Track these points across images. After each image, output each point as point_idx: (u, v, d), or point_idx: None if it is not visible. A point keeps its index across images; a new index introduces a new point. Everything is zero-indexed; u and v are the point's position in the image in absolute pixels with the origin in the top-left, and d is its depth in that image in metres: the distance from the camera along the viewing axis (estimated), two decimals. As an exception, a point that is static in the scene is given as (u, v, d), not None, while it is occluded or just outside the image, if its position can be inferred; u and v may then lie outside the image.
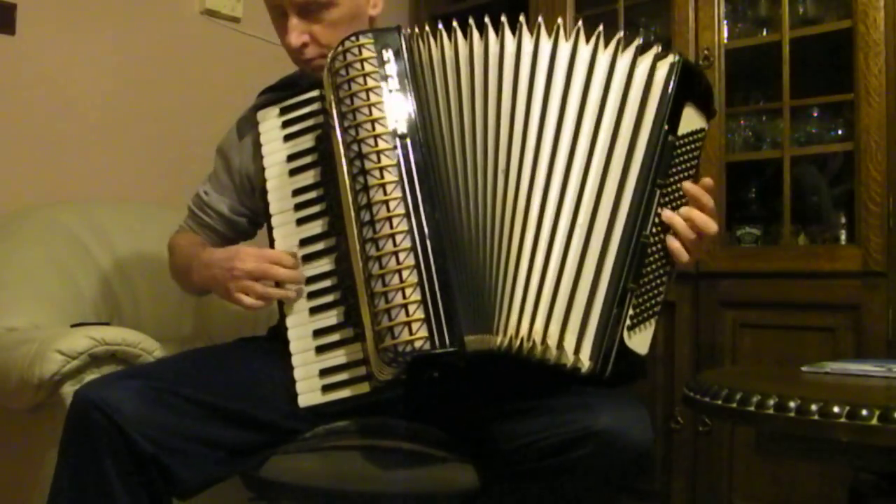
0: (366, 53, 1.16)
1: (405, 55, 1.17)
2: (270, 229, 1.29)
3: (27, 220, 1.81)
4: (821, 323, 1.98)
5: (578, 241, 1.15)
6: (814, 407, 1.08)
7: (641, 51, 1.19)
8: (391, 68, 1.16)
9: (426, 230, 1.11)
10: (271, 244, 1.28)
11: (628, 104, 1.17)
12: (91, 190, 2.09)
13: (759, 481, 2.05)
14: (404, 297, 1.09)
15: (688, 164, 1.20)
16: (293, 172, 1.28)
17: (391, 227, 1.11)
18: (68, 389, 1.34)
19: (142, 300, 1.90)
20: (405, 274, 1.10)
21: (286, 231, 1.27)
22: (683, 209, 1.17)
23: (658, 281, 1.18)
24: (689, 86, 1.18)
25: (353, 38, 1.17)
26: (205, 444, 1.16)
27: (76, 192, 2.05)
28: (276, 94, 1.36)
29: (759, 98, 2.30)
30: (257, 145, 1.32)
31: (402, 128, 1.14)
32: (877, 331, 1.90)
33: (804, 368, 1.44)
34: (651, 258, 1.16)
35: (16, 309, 1.60)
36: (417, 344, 1.08)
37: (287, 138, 1.29)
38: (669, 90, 1.17)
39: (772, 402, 1.13)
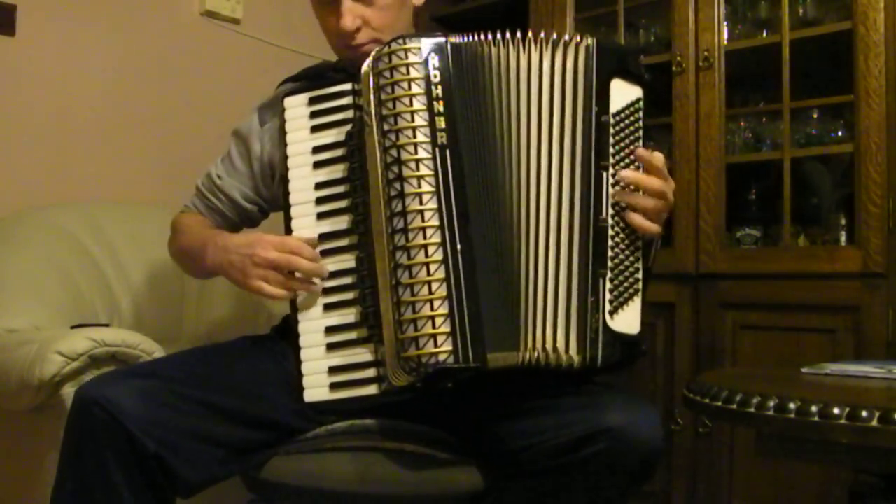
0: (412, 58, 1.15)
1: (451, 64, 1.17)
2: (288, 219, 1.28)
3: (27, 222, 1.81)
4: (821, 324, 1.98)
5: (554, 243, 1.17)
6: (814, 408, 1.08)
7: (567, 45, 1.20)
8: (436, 76, 1.16)
9: (459, 245, 1.12)
10: (287, 234, 1.27)
11: (567, 98, 1.19)
12: (91, 191, 2.09)
13: (759, 482, 2.05)
14: (432, 308, 1.10)
15: (632, 137, 1.21)
16: (318, 165, 1.27)
17: (425, 237, 1.11)
18: (68, 391, 1.34)
19: (142, 301, 1.90)
20: (434, 286, 1.10)
21: (304, 223, 1.26)
22: (629, 175, 1.18)
23: (632, 258, 1.19)
24: (609, 62, 1.20)
25: (400, 41, 1.16)
26: (207, 443, 1.16)
27: (76, 194, 2.05)
28: (301, 83, 1.34)
29: (759, 99, 2.30)
30: (283, 132, 1.30)
31: (443, 138, 1.14)
32: (877, 332, 1.90)
33: (804, 370, 1.44)
34: (616, 239, 1.18)
35: (16, 310, 1.59)
36: (441, 357, 1.09)
37: (314, 129, 1.28)
38: (590, 72, 1.19)
39: (772, 403, 1.13)
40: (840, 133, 2.10)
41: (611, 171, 1.17)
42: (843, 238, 2.09)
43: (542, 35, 1.20)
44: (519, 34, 1.20)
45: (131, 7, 2.20)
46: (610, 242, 1.17)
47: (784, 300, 2.05)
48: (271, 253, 1.21)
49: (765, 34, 2.20)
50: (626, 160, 1.19)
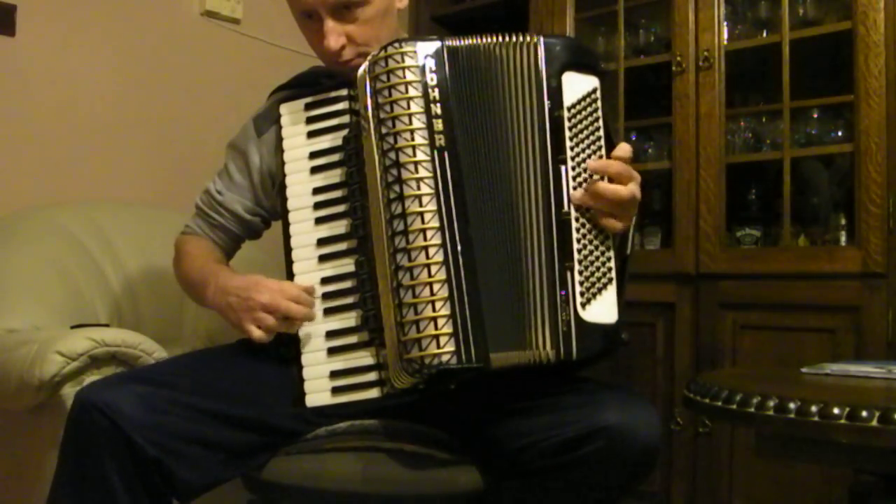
0: (408, 62, 1.16)
1: (447, 67, 1.17)
2: (286, 225, 1.28)
3: (27, 222, 1.81)
4: (821, 324, 1.99)
5: (528, 239, 1.17)
6: (814, 408, 1.08)
7: (521, 45, 1.20)
8: (433, 79, 1.16)
9: (459, 245, 1.13)
10: (286, 240, 1.28)
11: (526, 97, 1.19)
12: (91, 191, 2.09)
13: (758, 483, 2.05)
14: (434, 310, 1.10)
15: (591, 129, 1.20)
16: (315, 170, 1.27)
17: (425, 238, 1.12)
18: (68, 391, 1.34)
19: (142, 301, 1.90)
20: (436, 287, 1.11)
21: (303, 228, 1.26)
22: (590, 186, 1.18)
23: (602, 248, 1.19)
24: (558, 57, 1.20)
25: (396, 45, 1.17)
26: (206, 447, 1.16)
27: (76, 194, 2.05)
28: (295, 90, 1.34)
29: (759, 99, 2.30)
30: (280, 138, 1.31)
31: (441, 141, 1.15)
32: (877, 332, 1.90)
33: (804, 370, 1.44)
34: (582, 231, 1.18)
35: (16, 310, 1.59)
36: (444, 358, 1.10)
37: (311, 135, 1.29)
38: (539, 70, 1.19)
39: (772, 403, 1.13)
40: (840, 133, 2.10)
41: (570, 164, 1.17)
42: (843, 238, 2.09)
43: (507, 36, 1.20)
44: (512, 37, 1.20)
45: (131, 7, 2.20)
46: (576, 234, 1.17)
47: (784, 300, 2.05)
48: (265, 297, 1.21)
49: (765, 34, 2.21)
50: (587, 151, 1.19)
